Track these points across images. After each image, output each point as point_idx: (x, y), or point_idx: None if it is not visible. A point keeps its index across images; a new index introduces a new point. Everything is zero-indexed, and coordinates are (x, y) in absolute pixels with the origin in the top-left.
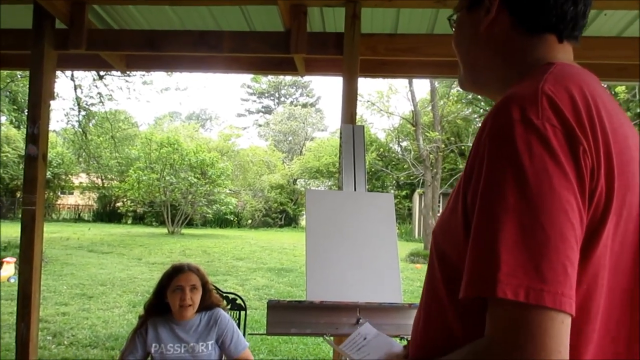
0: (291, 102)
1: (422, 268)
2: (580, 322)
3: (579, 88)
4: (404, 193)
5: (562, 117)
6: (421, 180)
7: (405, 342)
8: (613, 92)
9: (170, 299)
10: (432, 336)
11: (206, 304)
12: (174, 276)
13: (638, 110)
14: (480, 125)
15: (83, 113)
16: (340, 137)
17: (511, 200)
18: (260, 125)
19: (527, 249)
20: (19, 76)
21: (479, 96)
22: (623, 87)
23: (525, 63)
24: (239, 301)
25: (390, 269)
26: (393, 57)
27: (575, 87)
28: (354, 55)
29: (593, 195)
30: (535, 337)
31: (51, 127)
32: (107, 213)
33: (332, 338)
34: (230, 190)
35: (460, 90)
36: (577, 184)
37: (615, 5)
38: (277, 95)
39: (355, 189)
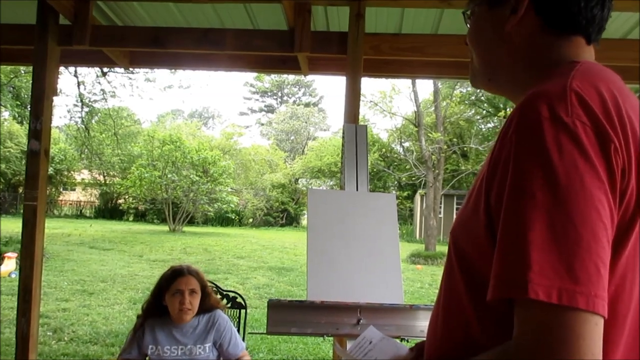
0: (294, 102)
1: (422, 269)
2: (607, 324)
3: (606, 86)
4: (405, 194)
5: (592, 114)
6: (423, 181)
7: (407, 344)
8: None
9: (169, 303)
10: (450, 336)
11: (205, 307)
12: (173, 279)
13: None
14: (502, 124)
15: (86, 109)
16: (343, 137)
17: (540, 198)
18: (262, 124)
19: (558, 248)
20: (22, 72)
21: (482, 97)
22: None
23: (549, 62)
24: (239, 300)
25: (391, 269)
26: (397, 56)
27: (603, 85)
28: (358, 54)
29: (624, 195)
30: (568, 339)
31: (54, 123)
32: (108, 210)
33: (335, 342)
34: (231, 188)
35: (464, 91)
36: (608, 183)
37: (617, 7)
38: (279, 94)
39: (357, 189)
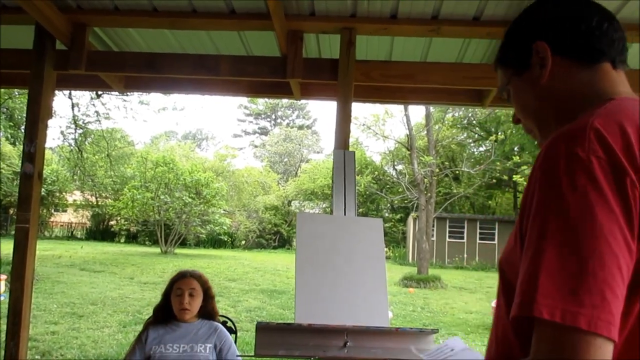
0: (287, 124)
1: (415, 292)
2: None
3: (633, 121)
4: (398, 217)
5: (608, 148)
6: (415, 204)
7: None
8: None
9: (172, 303)
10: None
11: (207, 311)
12: (177, 280)
13: None
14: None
15: (80, 131)
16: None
17: (552, 229)
18: (256, 146)
19: (564, 273)
20: (17, 93)
21: (474, 120)
22: None
23: (588, 98)
24: (229, 324)
25: (378, 293)
26: (387, 83)
27: (629, 120)
28: (349, 81)
29: None
30: (574, 358)
31: (47, 144)
32: (100, 231)
33: None
34: (224, 210)
35: (455, 114)
36: (622, 215)
37: None
38: (273, 116)
39: (345, 214)
